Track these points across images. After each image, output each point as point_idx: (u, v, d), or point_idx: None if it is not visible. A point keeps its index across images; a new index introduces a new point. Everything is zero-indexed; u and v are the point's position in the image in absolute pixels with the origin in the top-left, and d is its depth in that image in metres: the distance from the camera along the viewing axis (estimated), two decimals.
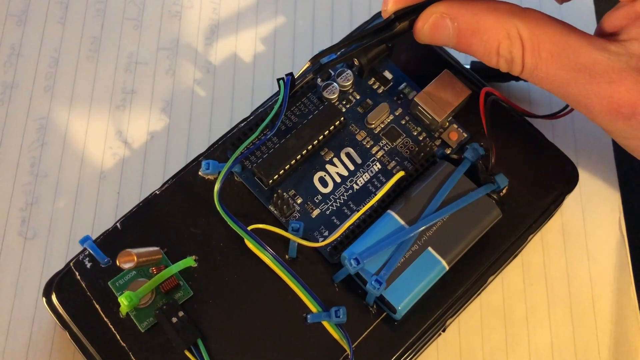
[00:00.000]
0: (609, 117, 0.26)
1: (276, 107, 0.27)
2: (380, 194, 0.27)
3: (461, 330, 0.31)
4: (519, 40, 0.26)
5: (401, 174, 0.28)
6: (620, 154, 0.34)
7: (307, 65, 0.27)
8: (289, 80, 0.27)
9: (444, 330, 0.30)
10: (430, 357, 0.30)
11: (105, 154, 0.34)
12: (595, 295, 0.32)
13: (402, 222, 0.27)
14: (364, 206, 0.27)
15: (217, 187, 0.26)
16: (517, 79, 0.34)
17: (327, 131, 0.29)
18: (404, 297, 0.26)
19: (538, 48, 0.26)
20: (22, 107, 0.34)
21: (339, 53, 0.28)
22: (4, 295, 0.31)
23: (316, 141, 0.29)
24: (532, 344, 0.31)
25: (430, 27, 0.27)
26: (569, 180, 0.30)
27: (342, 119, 0.29)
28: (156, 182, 0.33)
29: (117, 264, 0.24)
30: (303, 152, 0.29)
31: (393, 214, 0.27)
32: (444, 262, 0.26)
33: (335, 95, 0.30)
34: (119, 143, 0.34)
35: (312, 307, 0.27)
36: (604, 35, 0.27)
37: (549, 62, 0.26)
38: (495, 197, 0.28)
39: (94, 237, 0.28)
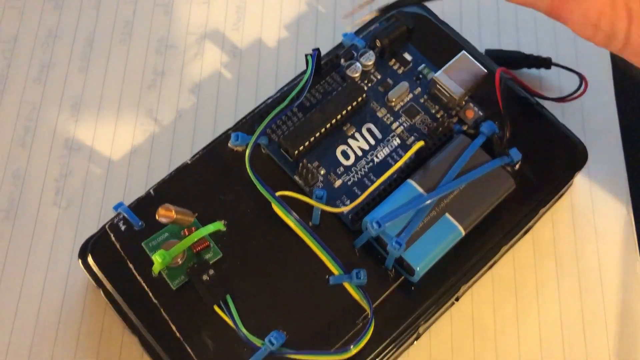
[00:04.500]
0: None
1: (305, 78, 0.29)
2: (401, 162, 0.29)
3: (474, 300, 0.32)
4: (625, 11, 0.21)
5: (421, 143, 0.29)
6: (628, 138, 0.35)
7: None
8: (316, 55, 0.29)
9: (457, 300, 0.32)
10: (444, 326, 0.32)
11: (136, 130, 0.35)
12: (603, 271, 0.33)
13: (421, 190, 0.28)
14: (384, 175, 0.29)
15: (248, 151, 0.28)
16: (530, 66, 0.36)
17: (350, 107, 0.31)
18: (422, 258, 0.27)
19: None
20: (58, 85, 0.36)
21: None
22: (38, 262, 0.33)
23: (339, 116, 0.31)
24: (542, 316, 0.32)
25: None
26: (578, 158, 0.32)
27: (364, 95, 0.31)
28: (184, 157, 0.34)
29: (156, 216, 0.26)
30: (327, 126, 0.30)
31: (412, 182, 0.28)
32: (460, 228, 0.28)
33: (358, 74, 0.32)
34: (149, 120, 0.36)
35: (334, 269, 0.29)
36: None
37: None
38: (509, 169, 0.29)
39: None
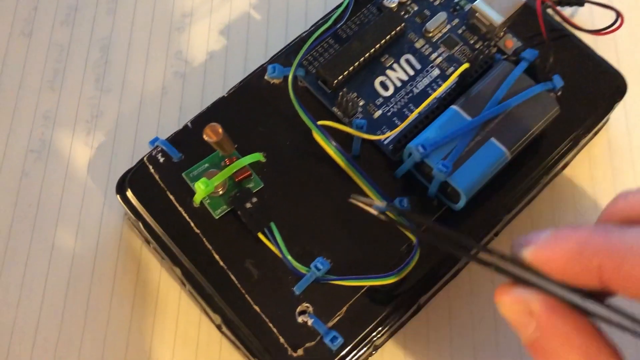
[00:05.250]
0: None
1: (344, 3, 0.28)
2: (446, 84, 0.29)
3: (513, 237, 0.32)
4: None
5: (466, 65, 0.29)
6: None
7: None
8: None
9: (496, 235, 0.31)
10: None
11: (166, 72, 0.35)
12: None
13: (466, 115, 0.28)
14: (430, 104, 0.29)
15: (291, 75, 0.27)
16: (562, 4, 0.36)
17: (389, 36, 0.30)
18: (467, 182, 0.27)
19: None
20: (86, 28, 0.36)
21: None
22: (72, 202, 0.32)
23: (378, 45, 0.30)
24: None
25: None
26: (617, 89, 0.32)
27: (403, 25, 0.30)
28: (216, 97, 0.34)
29: (203, 135, 0.26)
30: (366, 55, 0.30)
31: (456, 107, 0.28)
32: (506, 151, 0.27)
33: (395, 5, 0.31)
34: (179, 62, 0.35)
35: (376, 198, 0.29)
36: None
37: None
38: (552, 95, 0.29)
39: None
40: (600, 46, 0.36)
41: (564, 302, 0.20)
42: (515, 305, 0.21)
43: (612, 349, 0.20)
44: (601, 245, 0.19)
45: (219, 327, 0.29)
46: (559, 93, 0.30)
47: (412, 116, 0.28)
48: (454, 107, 0.28)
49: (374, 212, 0.23)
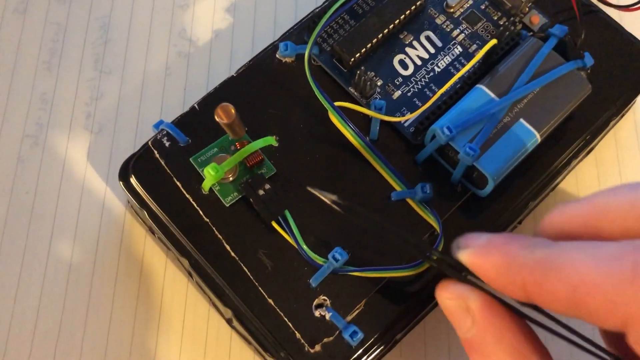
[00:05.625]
0: None
1: None
2: (472, 62, 0.27)
3: (537, 224, 0.30)
4: None
5: (494, 41, 0.27)
6: None
7: None
8: None
9: (519, 223, 0.30)
10: None
11: (169, 52, 0.33)
12: None
13: (493, 95, 0.26)
14: (453, 78, 0.27)
15: (307, 52, 0.26)
16: None
17: (408, 11, 0.28)
18: (496, 166, 0.25)
19: None
20: (84, 5, 0.34)
21: None
22: (71, 189, 0.30)
23: (397, 21, 0.28)
24: None
25: None
26: None
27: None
28: (222, 78, 0.32)
29: (215, 116, 0.24)
30: (384, 32, 0.28)
31: (483, 87, 0.26)
32: (536, 133, 0.26)
33: None
34: (183, 41, 0.33)
35: (396, 185, 0.27)
36: None
37: None
38: (582, 74, 0.27)
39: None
40: (626, 23, 0.34)
41: (501, 302, 0.20)
42: (454, 301, 0.21)
43: (543, 351, 0.20)
44: (525, 262, 0.19)
45: (229, 321, 0.28)
46: (588, 72, 0.28)
47: (436, 97, 0.26)
48: (480, 86, 0.26)
49: (331, 205, 0.23)
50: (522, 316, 0.20)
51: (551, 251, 0.19)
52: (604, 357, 0.20)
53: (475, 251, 0.20)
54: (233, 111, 0.24)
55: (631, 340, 0.17)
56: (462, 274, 0.21)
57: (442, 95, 0.27)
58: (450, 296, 0.21)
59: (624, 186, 0.20)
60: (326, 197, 0.23)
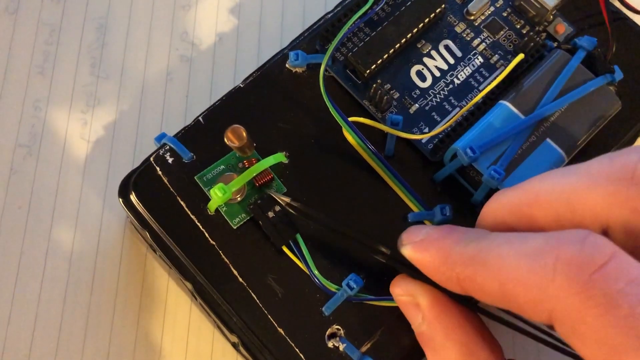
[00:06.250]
0: None
1: None
2: (498, 79, 0.25)
3: None
4: None
5: (521, 56, 0.25)
6: None
7: None
8: None
9: None
10: None
11: (171, 56, 0.31)
12: None
13: (517, 112, 0.24)
14: (474, 97, 0.25)
15: (323, 65, 0.24)
16: None
17: (427, 19, 0.27)
18: None
19: None
20: (79, 5, 0.32)
21: None
22: (67, 203, 0.29)
23: (415, 29, 0.27)
24: None
25: None
26: None
27: (443, 6, 0.27)
28: (227, 85, 0.31)
29: (225, 139, 0.22)
30: (402, 41, 0.26)
31: (507, 103, 0.25)
32: (563, 153, 0.24)
33: None
34: (185, 44, 0.31)
35: (413, 206, 0.25)
36: None
37: None
38: (612, 89, 0.26)
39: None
40: None
41: (452, 296, 0.21)
42: (404, 297, 0.22)
43: (493, 346, 0.21)
44: (458, 257, 0.19)
45: (234, 346, 0.26)
46: (616, 86, 0.27)
47: (457, 116, 0.25)
48: (504, 102, 0.25)
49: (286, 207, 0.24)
50: (472, 309, 0.21)
51: (482, 246, 0.19)
52: (569, 351, 0.20)
53: (413, 247, 0.21)
54: (245, 134, 0.22)
55: (560, 333, 0.17)
56: (414, 270, 0.21)
57: (465, 110, 0.26)
58: (401, 292, 0.22)
59: (554, 172, 0.19)
60: (281, 199, 0.23)
